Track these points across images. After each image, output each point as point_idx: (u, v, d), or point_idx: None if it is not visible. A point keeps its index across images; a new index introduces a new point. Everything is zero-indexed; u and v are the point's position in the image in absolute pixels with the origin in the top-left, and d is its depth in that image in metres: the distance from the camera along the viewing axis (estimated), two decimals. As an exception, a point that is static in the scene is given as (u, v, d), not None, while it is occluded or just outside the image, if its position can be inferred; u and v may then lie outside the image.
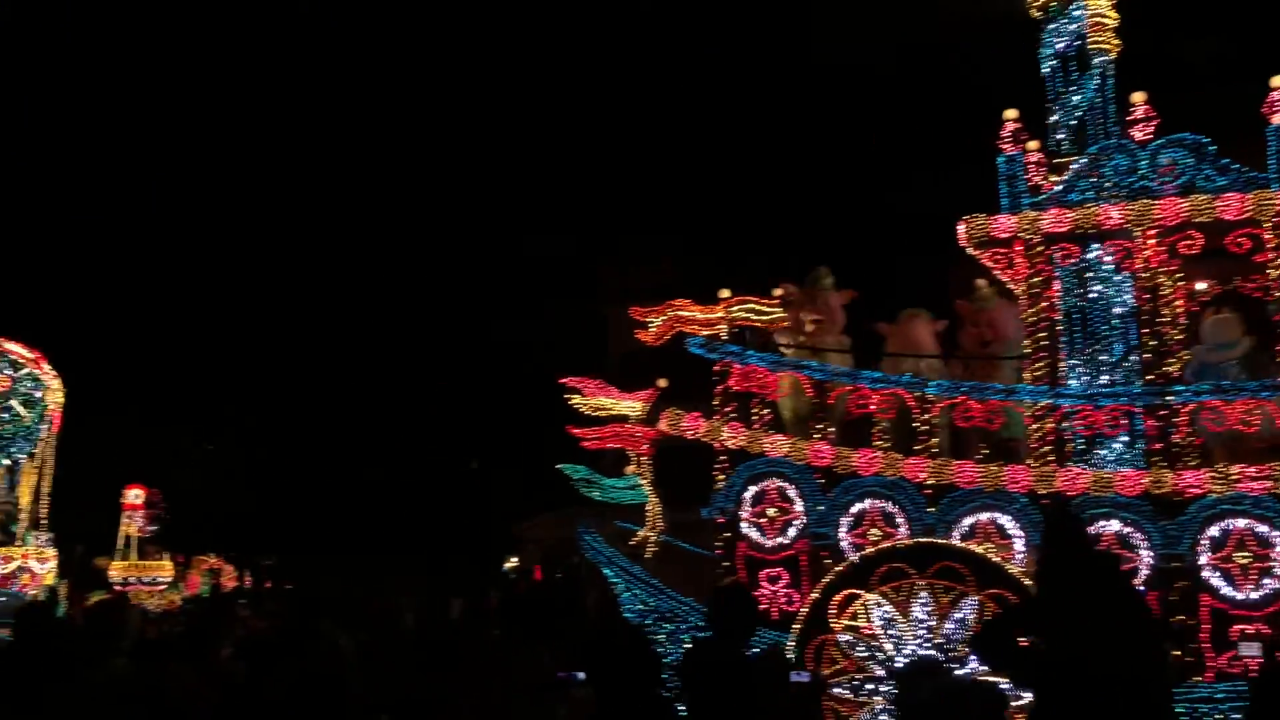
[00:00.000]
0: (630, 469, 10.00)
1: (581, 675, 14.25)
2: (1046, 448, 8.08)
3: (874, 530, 8.30)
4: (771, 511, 8.64)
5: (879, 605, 7.79)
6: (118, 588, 24.16)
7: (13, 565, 13.71)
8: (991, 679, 4.89)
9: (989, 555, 7.68)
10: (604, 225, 35.82)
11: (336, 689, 4.91)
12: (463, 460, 40.00)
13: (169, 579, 27.31)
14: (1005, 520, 8.01)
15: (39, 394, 14.23)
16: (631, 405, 9.77)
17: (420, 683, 6.89)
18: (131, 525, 26.84)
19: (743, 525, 8.71)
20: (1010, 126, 8.59)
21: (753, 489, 8.72)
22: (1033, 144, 8.87)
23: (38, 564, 14.17)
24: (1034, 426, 8.16)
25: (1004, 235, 8.38)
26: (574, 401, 10.07)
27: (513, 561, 34.51)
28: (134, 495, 27.15)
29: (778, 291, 9.52)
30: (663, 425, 9.22)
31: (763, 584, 8.61)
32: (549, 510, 30.75)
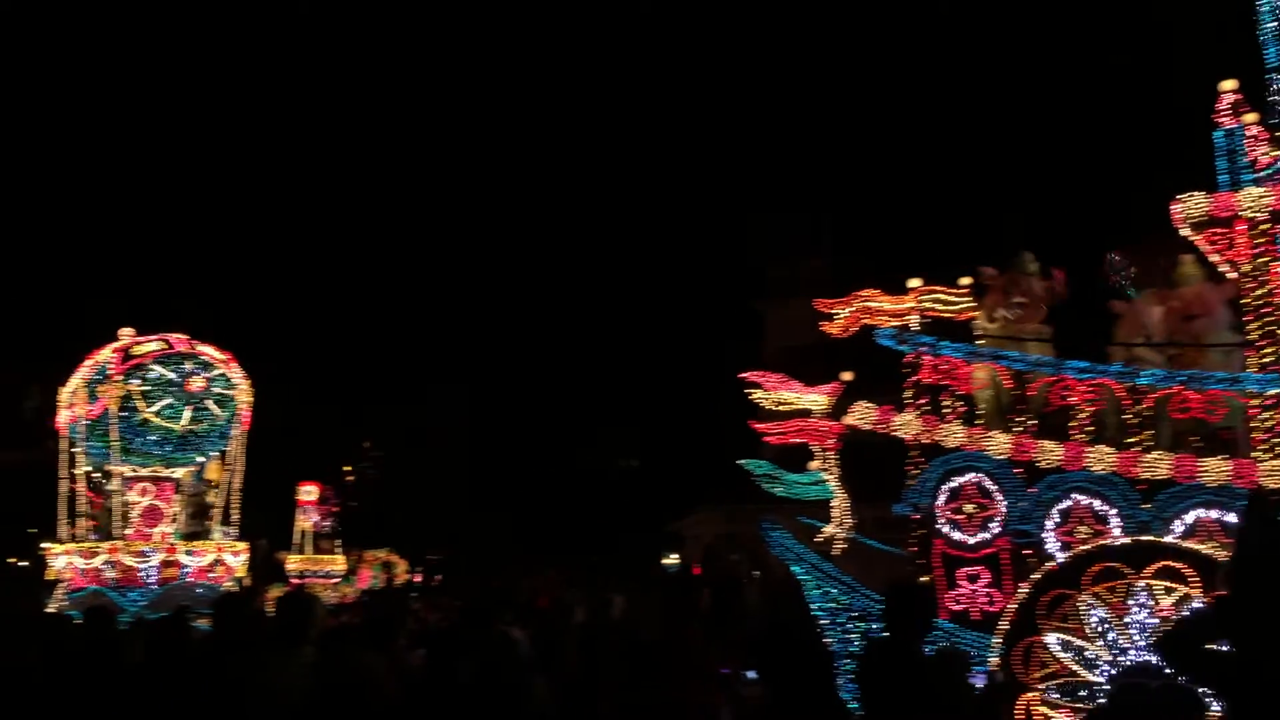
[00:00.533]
0: (814, 464, 9.80)
1: (751, 673, 14.06)
2: (1276, 440, 7.51)
3: (1082, 528, 7.88)
4: (969, 508, 8.31)
5: (1092, 606, 7.40)
6: (294, 580, 25.21)
7: (209, 558, 14.20)
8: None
9: (1215, 554, 7.19)
10: (759, 222, 35.49)
11: (516, 682, 4.90)
12: (623, 459, 40.34)
13: (342, 573, 28.38)
14: (1230, 518, 7.49)
15: (231, 394, 14.54)
16: (815, 399, 9.57)
17: (588, 678, 6.89)
18: (306, 520, 27.99)
19: (939, 522, 8.41)
20: (1228, 98, 8.02)
21: (949, 484, 8.41)
22: (1250, 116, 8.26)
23: (231, 557, 14.69)
24: (1262, 417, 7.60)
25: (1224, 214, 7.82)
26: (755, 396, 9.94)
27: (673, 558, 34.61)
28: (307, 491, 28.32)
29: (965, 281, 9.17)
30: (850, 419, 8.99)
31: (961, 583, 8.29)
32: (708, 507, 30.77)
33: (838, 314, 9.16)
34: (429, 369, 36.38)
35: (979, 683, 7.40)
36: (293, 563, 27.21)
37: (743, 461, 10.27)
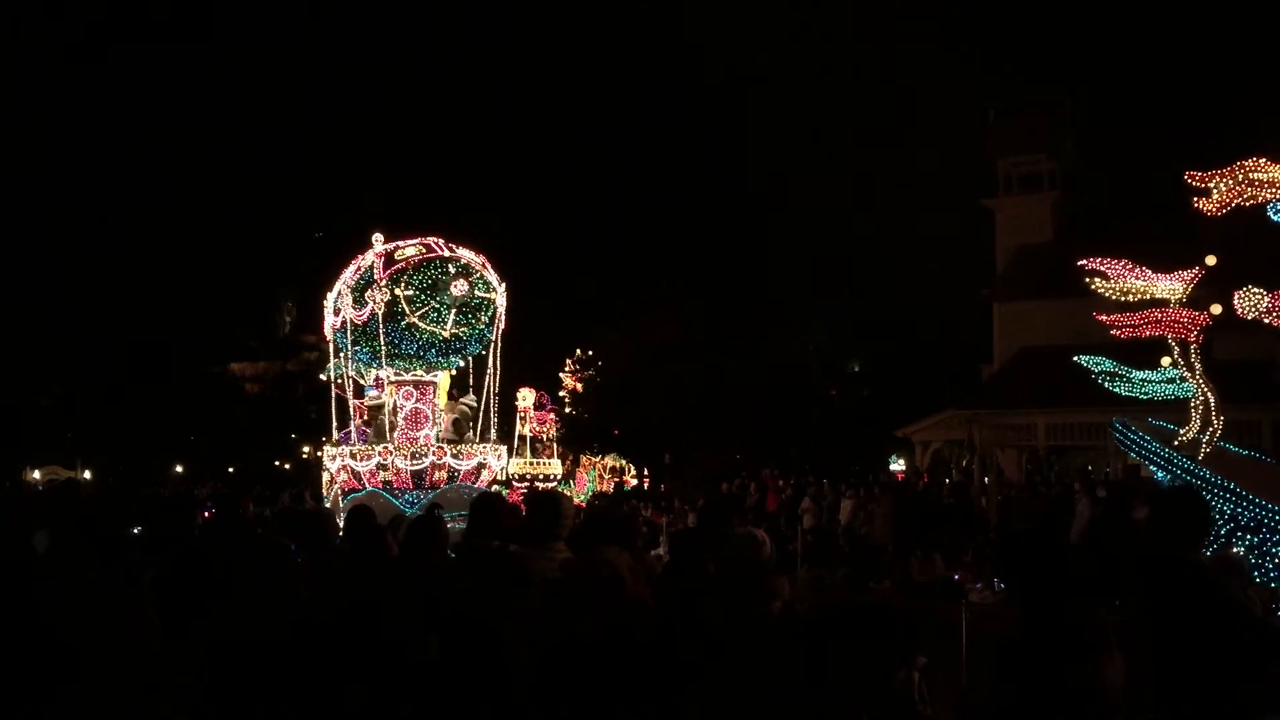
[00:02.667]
0: (1166, 360, 8.90)
1: (979, 584, 13.06)
2: None
3: None
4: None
5: None
6: (516, 484, 25.82)
7: (474, 461, 14.12)
8: None
9: None
10: (994, 120, 33.48)
11: (760, 580, 4.54)
12: (842, 363, 39.62)
13: (559, 476, 28.95)
14: None
15: (490, 297, 14.15)
16: (1172, 287, 8.63)
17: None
18: (524, 425, 28.63)
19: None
20: None
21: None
22: None
23: (494, 460, 14.62)
24: None
25: None
26: (1096, 286, 9.07)
27: (898, 464, 33.85)
28: (523, 396, 28.90)
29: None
30: (1216, 308, 8.05)
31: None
32: (942, 411, 29.74)
33: (1214, 187, 8.12)
34: (648, 277, 36.16)
35: None
36: (512, 467, 27.85)
37: (1081, 358, 9.43)
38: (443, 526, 6.17)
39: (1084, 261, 9.05)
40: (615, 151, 67.90)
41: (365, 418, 16.43)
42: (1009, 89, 33.46)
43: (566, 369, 37.61)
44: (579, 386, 35.11)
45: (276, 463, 38.59)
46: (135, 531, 5.44)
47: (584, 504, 25.22)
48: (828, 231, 41.16)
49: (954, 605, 13.09)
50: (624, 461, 31.79)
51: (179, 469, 38.96)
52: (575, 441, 32.28)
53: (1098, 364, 9.39)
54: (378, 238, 14.31)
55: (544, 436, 32.64)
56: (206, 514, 7.62)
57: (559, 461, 29.99)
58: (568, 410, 33.44)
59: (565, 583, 4.20)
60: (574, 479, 32.45)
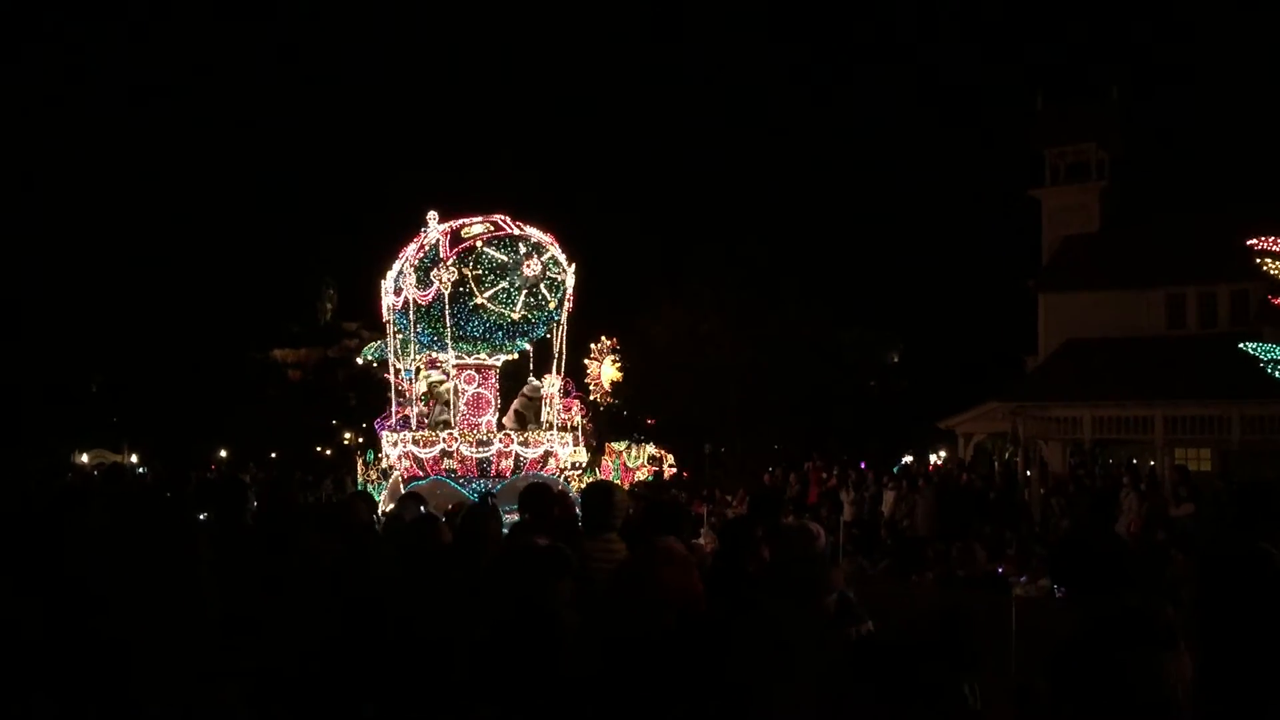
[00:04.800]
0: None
1: (1024, 578, 12.86)
2: None
3: None
4: None
5: None
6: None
7: (540, 449, 13.55)
8: None
9: None
10: (1042, 110, 33.06)
11: (813, 573, 4.51)
12: (885, 352, 39.35)
13: (583, 464, 28.85)
14: None
15: (560, 277, 13.41)
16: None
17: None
18: (550, 413, 28.51)
19: None
20: None
21: None
22: None
23: (561, 449, 14.01)
24: None
25: None
26: (1268, 267, 8.85)
27: (939, 457, 33.60)
28: (549, 383, 28.72)
29: None
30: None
31: None
32: (985, 404, 29.48)
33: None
34: (683, 264, 36.07)
35: None
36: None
37: (1247, 345, 9.17)
38: (497, 515, 6.19)
39: (1254, 241, 8.79)
40: (657, 136, 67.81)
41: (405, 399, 16.20)
42: (1057, 77, 33.10)
43: (592, 355, 37.59)
44: (617, 375, 35.13)
45: (318, 448, 38.97)
46: (201, 517, 5.51)
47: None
48: (868, 221, 40.96)
49: (1001, 599, 13.03)
50: (662, 451, 31.79)
51: (222, 454, 39.51)
52: (612, 430, 32.27)
53: (1267, 351, 9.15)
54: (433, 215, 13.63)
55: (569, 424, 32.68)
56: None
57: (584, 449, 29.98)
58: (593, 397, 33.49)
59: (636, 573, 4.19)
60: (599, 467, 32.52)
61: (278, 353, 50.98)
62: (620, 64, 70.61)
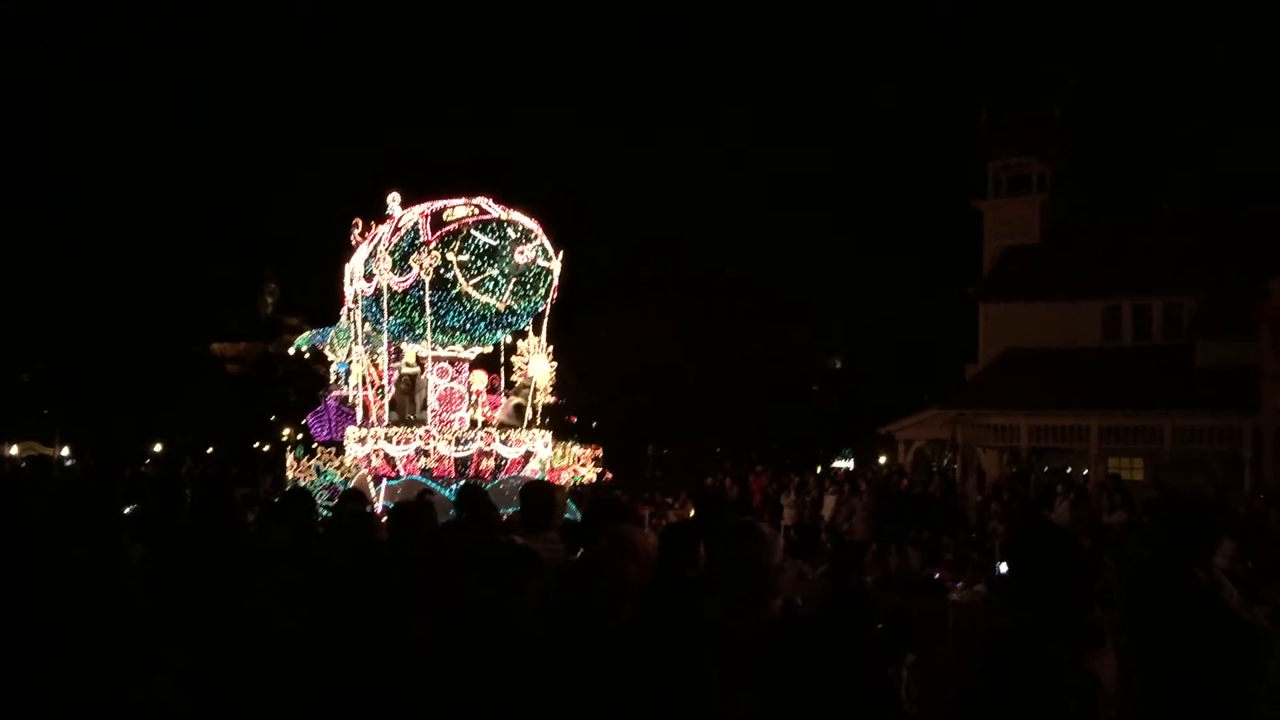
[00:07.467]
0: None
1: (960, 583, 13.07)
2: None
3: None
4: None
5: None
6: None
7: (522, 449, 12.64)
8: None
9: None
10: (982, 119, 33.55)
11: (769, 572, 4.57)
12: (827, 358, 39.70)
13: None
14: None
15: (548, 266, 12.44)
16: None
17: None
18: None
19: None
20: None
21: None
22: None
23: (542, 448, 13.06)
24: None
25: None
26: None
27: (881, 460, 33.95)
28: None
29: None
30: None
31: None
32: (925, 411, 29.88)
33: None
34: (631, 274, 36.08)
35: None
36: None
37: None
38: (430, 513, 6.15)
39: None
40: (608, 137, 67.75)
41: (341, 394, 15.50)
42: (1002, 90, 33.58)
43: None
44: (551, 374, 35.02)
45: (255, 444, 38.42)
46: (127, 511, 5.41)
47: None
48: (813, 227, 41.31)
49: (938, 602, 13.21)
50: (590, 449, 31.73)
51: (158, 448, 38.78)
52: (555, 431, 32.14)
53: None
54: (394, 197, 12.77)
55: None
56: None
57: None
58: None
59: (596, 565, 4.15)
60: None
61: (216, 346, 50.24)
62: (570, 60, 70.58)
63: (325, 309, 16.96)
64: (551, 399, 13.66)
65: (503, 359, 13.99)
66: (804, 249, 41.56)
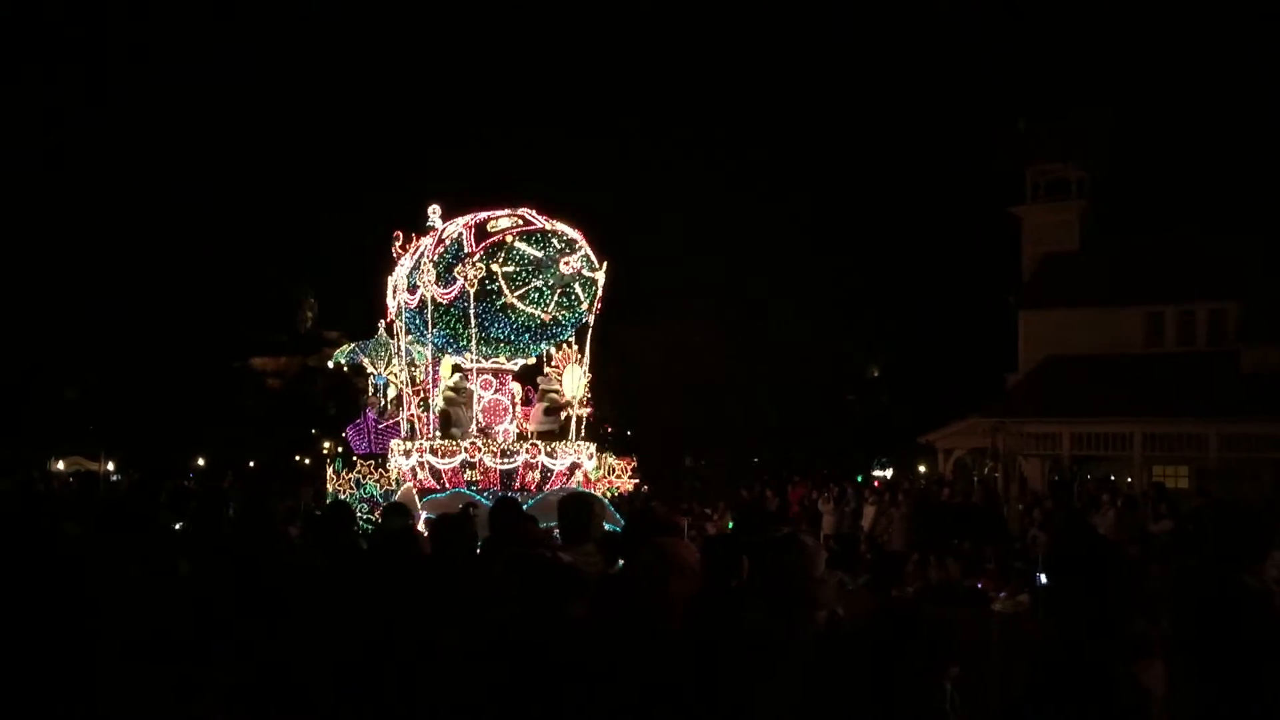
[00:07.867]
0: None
1: (1003, 593, 12.79)
2: None
3: None
4: None
5: None
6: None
7: (568, 460, 12.37)
8: None
9: None
10: (1018, 125, 33.28)
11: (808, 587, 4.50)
12: (865, 367, 39.47)
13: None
14: None
15: (593, 276, 12.27)
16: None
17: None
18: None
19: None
20: None
21: None
22: None
23: (586, 460, 12.79)
24: None
25: None
26: None
27: (920, 470, 33.70)
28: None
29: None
30: None
31: None
32: (966, 419, 29.65)
33: None
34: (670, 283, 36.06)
35: None
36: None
37: None
38: (472, 525, 6.14)
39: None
40: (641, 148, 67.88)
41: (379, 406, 15.67)
42: (1039, 96, 33.32)
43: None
44: (586, 386, 35.07)
45: (296, 457, 38.79)
46: (176, 527, 5.45)
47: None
48: (851, 236, 41.13)
49: (982, 613, 13.08)
50: (625, 461, 31.69)
51: (200, 462, 39.25)
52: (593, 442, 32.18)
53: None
54: (435, 209, 12.79)
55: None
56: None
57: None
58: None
59: (640, 579, 4.13)
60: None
61: (257, 361, 50.82)
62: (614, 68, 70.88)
63: (364, 323, 17.10)
64: (586, 410, 13.43)
65: (542, 370, 13.90)
66: (841, 258, 41.36)
